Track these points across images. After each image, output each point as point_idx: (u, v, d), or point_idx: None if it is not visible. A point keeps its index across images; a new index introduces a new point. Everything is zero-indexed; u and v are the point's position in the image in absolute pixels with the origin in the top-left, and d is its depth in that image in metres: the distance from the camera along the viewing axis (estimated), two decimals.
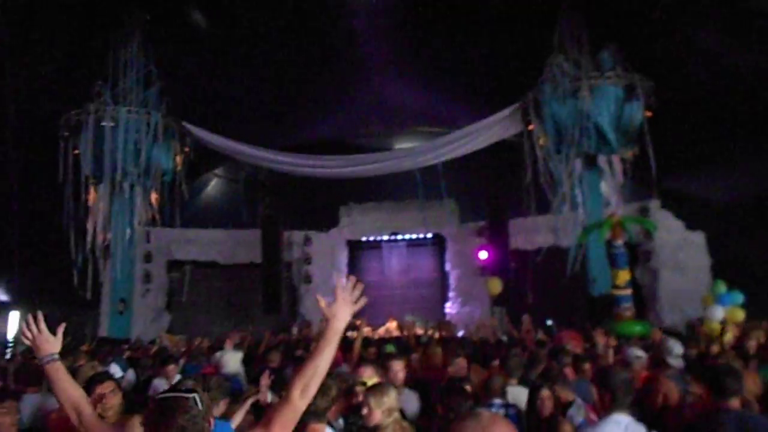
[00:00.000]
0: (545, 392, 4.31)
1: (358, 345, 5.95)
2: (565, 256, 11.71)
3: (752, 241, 14.36)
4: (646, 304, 14.24)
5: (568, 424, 4.24)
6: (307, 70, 14.97)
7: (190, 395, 1.88)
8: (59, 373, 2.47)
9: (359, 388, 4.04)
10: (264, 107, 15.74)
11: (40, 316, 2.59)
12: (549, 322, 11.43)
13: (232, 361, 6.07)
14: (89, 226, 12.05)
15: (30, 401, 4.00)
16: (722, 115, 13.05)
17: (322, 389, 3.30)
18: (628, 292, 9.45)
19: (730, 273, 15.36)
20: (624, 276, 9.28)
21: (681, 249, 15.98)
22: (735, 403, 3.43)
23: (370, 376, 4.23)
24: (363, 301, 2.36)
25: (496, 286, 15.57)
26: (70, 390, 2.44)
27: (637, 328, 9.16)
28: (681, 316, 15.09)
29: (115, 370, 5.94)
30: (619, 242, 9.32)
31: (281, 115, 16.22)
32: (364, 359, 4.79)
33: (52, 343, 2.54)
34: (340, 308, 2.36)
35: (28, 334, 2.55)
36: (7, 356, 13.26)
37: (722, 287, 8.83)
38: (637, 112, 10.83)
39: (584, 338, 7.44)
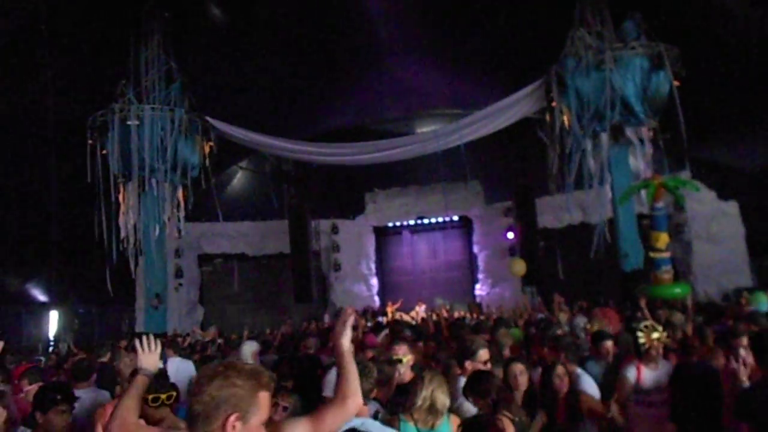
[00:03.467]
0: (560, 369, 4.40)
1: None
2: (594, 232, 11.56)
3: None
4: (680, 276, 14.01)
5: (587, 395, 4.27)
6: (326, 58, 14.94)
7: None
8: (141, 386, 2.72)
9: (398, 366, 4.12)
10: (285, 98, 15.77)
11: (152, 337, 2.88)
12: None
13: (247, 351, 6.18)
14: (121, 224, 12.25)
15: (82, 395, 4.15)
16: (752, 82, 12.71)
17: (364, 372, 3.36)
18: (668, 254, 9.28)
19: (764, 242, 15.10)
20: (664, 238, 9.10)
21: (714, 219, 15.71)
22: None
23: (404, 353, 4.27)
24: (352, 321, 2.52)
25: (520, 267, 15.47)
26: (133, 404, 2.63)
27: (677, 290, 9.01)
28: (716, 287, 14.87)
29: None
30: (661, 204, 9.14)
31: (302, 105, 16.24)
32: (397, 339, 4.81)
33: (152, 360, 2.84)
34: (338, 337, 2.47)
35: (140, 349, 2.84)
36: (50, 353, 13.63)
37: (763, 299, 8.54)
38: (664, 82, 10.58)
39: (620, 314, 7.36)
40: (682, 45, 10.68)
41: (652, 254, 9.29)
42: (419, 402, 3.41)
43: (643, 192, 9.81)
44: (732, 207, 15.81)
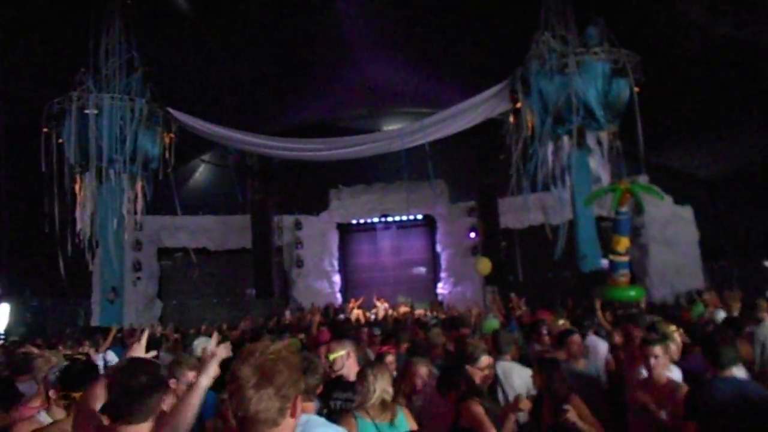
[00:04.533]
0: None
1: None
2: (555, 233, 11.74)
3: (740, 214, 14.48)
4: (636, 279, 14.35)
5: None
6: (292, 53, 14.82)
7: None
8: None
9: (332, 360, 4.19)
10: (250, 91, 15.59)
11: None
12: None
13: (198, 346, 6.07)
14: (77, 215, 11.94)
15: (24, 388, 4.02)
16: (709, 90, 13.07)
17: (310, 368, 3.35)
18: (627, 258, 9.49)
19: (716, 246, 15.58)
20: (625, 243, 9.31)
21: (670, 224, 16.13)
22: (731, 371, 3.49)
23: (334, 350, 4.27)
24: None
25: (485, 266, 15.62)
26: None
27: (632, 293, 9.23)
28: (671, 290, 15.29)
29: (112, 357, 5.94)
30: (625, 209, 9.33)
31: (267, 99, 16.09)
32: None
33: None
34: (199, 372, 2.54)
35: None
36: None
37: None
38: (625, 88, 10.79)
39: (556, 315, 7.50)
40: (642, 52, 10.90)
41: (611, 257, 9.48)
42: (371, 398, 3.43)
43: (607, 196, 10.00)
44: (687, 211, 16.26)
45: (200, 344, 6.07)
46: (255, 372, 1.77)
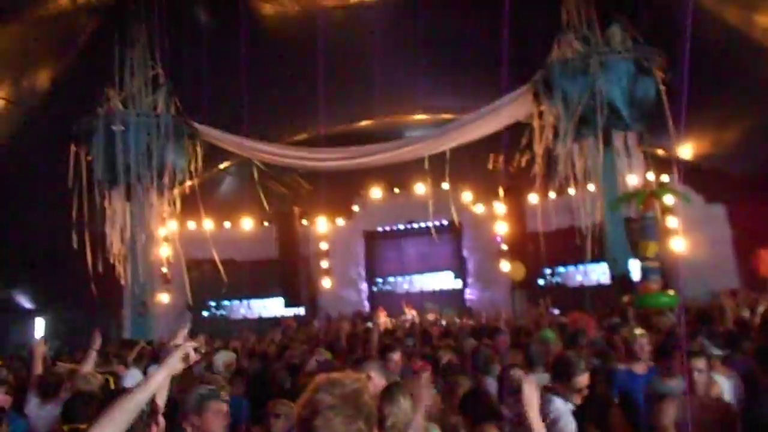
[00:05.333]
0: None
1: (375, 338, 5.75)
2: (583, 236, 11.56)
3: None
4: (668, 282, 14.04)
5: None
6: (313, 61, 14.88)
7: None
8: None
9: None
10: (273, 103, 15.70)
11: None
12: None
13: (219, 361, 6.03)
14: (107, 230, 12.16)
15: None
16: (732, 82, 12.79)
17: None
18: (657, 264, 9.31)
19: (751, 245, 15.18)
20: (653, 248, 9.14)
21: (702, 222, 15.76)
22: None
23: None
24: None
25: (519, 270, 15.49)
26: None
27: (665, 300, 9.03)
28: (703, 289, 14.92)
29: (132, 377, 5.91)
30: (651, 213, 9.17)
31: (289, 109, 16.17)
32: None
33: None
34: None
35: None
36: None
37: None
38: (651, 86, 10.62)
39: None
40: (665, 48, 10.71)
41: (642, 264, 9.31)
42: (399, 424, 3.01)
43: (634, 200, 9.83)
44: (719, 210, 15.90)
45: (220, 358, 6.08)
46: (344, 403, 1.66)
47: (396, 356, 4.51)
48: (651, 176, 11.46)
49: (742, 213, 15.34)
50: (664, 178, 12.97)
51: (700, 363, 3.73)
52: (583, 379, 3.50)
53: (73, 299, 17.09)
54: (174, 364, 2.29)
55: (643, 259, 9.12)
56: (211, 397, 3.25)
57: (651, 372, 4.53)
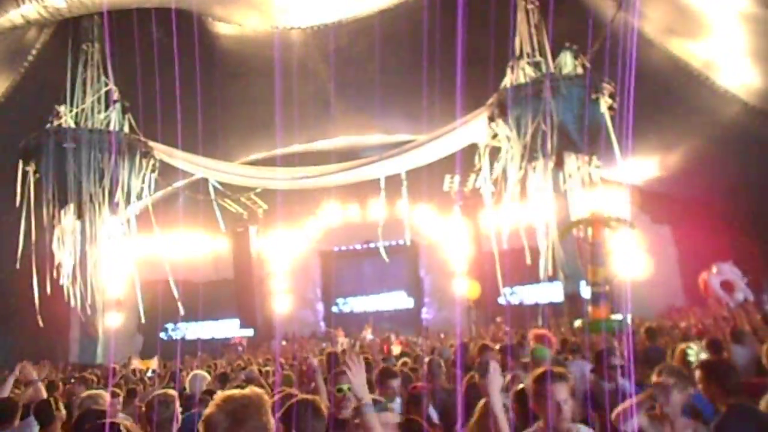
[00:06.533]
0: None
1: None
2: (536, 256, 11.82)
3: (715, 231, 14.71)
4: (616, 304, 14.46)
5: None
6: (270, 81, 14.90)
7: None
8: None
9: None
10: (228, 122, 15.60)
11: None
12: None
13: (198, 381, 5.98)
14: (54, 249, 11.77)
15: None
16: (678, 112, 13.39)
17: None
18: (606, 289, 9.59)
19: (694, 264, 15.80)
20: (602, 273, 9.43)
21: (649, 242, 16.35)
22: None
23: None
24: None
25: (474, 289, 15.67)
26: None
27: (613, 324, 9.29)
28: (651, 309, 15.41)
29: None
30: (599, 240, 9.46)
31: (246, 129, 16.11)
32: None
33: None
34: None
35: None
36: None
37: None
38: (599, 112, 11.02)
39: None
40: (612, 75, 11.15)
41: (592, 289, 9.57)
42: None
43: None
44: (665, 230, 16.54)
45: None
46: (227, 417, 1.80)
47: (395, 383, 4.49)
48: (600, 198, 11.85)
49: (686, 234, 15.98)
50: (613, 200, 13.43)
51: None
52: None
53: (19, 321, 16.44)
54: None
55: (592, 284, 9.40)
56: None
57: None
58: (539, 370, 3.06)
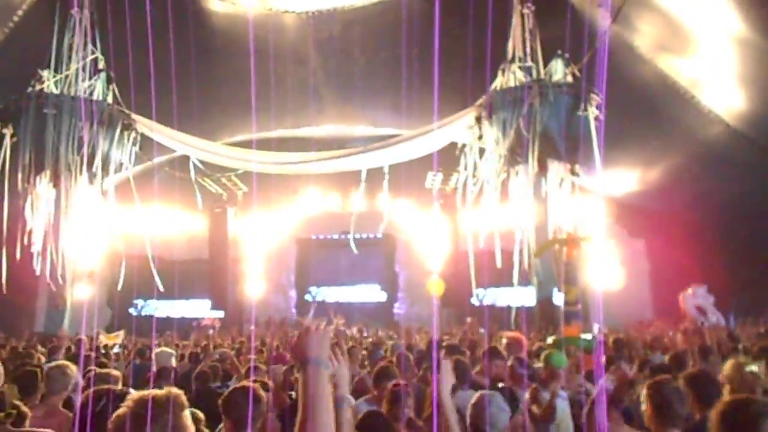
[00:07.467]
0: None
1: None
2: (510, 259, 11.90)
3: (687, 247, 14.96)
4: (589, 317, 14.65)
5: None
6: (260, 64, 14.78)
7: None
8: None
9: None
10: (213, 101, 15.45)
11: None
12: None
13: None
14: (26, 216, 11.55)
15: None
16: (661, 128, 13.57)
17: None
18: (579, 308, 9.70)
19: (665, 278, 16.07)
20: (575, 292, 9.51)
21: (624, 255, 16.56)
22: None
23: None
24: None
25: (438, 287, 15.72)
26: None
27: (585, 342, 9.42)
28: (619, 320, 15.64)
29: None
30: (573, 260, 9.55)
31: (230, 109, 15.95)
32: None
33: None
34: None
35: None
36: None
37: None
38: (585, 122, 11.10)
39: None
40: (600, 88, 11.25)
41: (565, 308, 9.63)
42: None
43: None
44: (639, 244, 16.78)
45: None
46: (137, 415, 1.79)
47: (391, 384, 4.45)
48: (578, 207, 11.97)
49: (659, 248, 16.22)
50: (590, 210, 13.57)
51: None
52: None
53: None
54: None
55: (565, 303, 9.48)
56: None
57: None
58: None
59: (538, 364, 5.74)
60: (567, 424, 4.38)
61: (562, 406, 4.47)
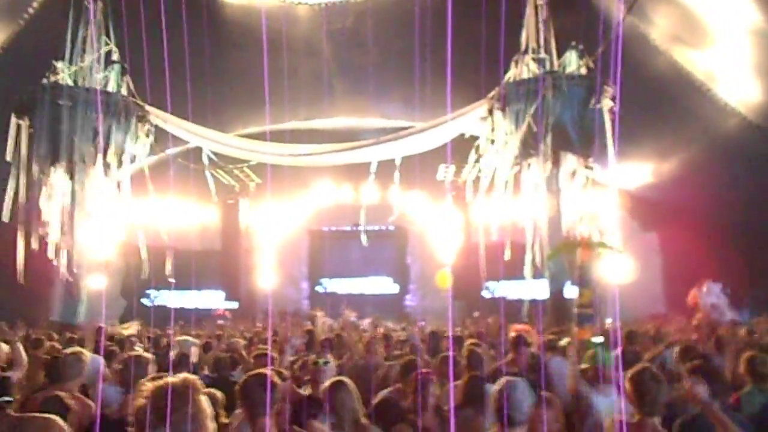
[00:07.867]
0: None
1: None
2: (522, 252, 11.86)
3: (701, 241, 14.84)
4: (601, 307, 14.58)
5: None
6: (274, 55, 14.79)
7: None
8: None
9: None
10: (227, 92, 15.50)
11: None
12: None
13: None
14: (41, 206, 11.69)
15: None
16: (676, 120, 13.45)
17: None
18: (591, 311, 9.66)
19: (677, 272, 15.96)
20: (589, 295, 9.46)
21: (637, 249, 16.46)
22: None
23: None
24: None
25: (445, 279, 15.71)
26: None
27: (599, 344, 9.40)
28: (634, 313, 15.57)
29: None
30: (587, 263, 9.50)
31: (243, 100, 16.00)
32: None
33: None
34: None
35: None
36: None
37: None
38: (599, 114, 11.03)
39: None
40: (615, 80, 11.16)
41: (578, 310, 9.59)
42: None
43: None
44: (652, 237, 16.66)
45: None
46: (158, 406, 1.84)
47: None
48: (591, 200, 11.90)
49: (672, 242, 16.10)
50: (603, 203, 13.46)
51: None
52: None
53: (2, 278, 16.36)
54: None
55: (578, 306, 9.44)
56: None
57: None
58: None
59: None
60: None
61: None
